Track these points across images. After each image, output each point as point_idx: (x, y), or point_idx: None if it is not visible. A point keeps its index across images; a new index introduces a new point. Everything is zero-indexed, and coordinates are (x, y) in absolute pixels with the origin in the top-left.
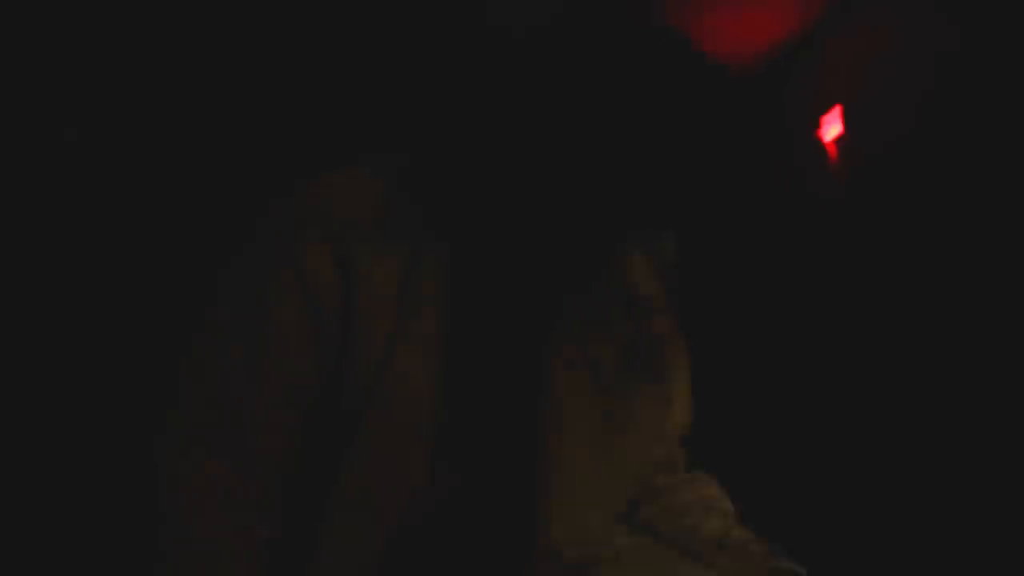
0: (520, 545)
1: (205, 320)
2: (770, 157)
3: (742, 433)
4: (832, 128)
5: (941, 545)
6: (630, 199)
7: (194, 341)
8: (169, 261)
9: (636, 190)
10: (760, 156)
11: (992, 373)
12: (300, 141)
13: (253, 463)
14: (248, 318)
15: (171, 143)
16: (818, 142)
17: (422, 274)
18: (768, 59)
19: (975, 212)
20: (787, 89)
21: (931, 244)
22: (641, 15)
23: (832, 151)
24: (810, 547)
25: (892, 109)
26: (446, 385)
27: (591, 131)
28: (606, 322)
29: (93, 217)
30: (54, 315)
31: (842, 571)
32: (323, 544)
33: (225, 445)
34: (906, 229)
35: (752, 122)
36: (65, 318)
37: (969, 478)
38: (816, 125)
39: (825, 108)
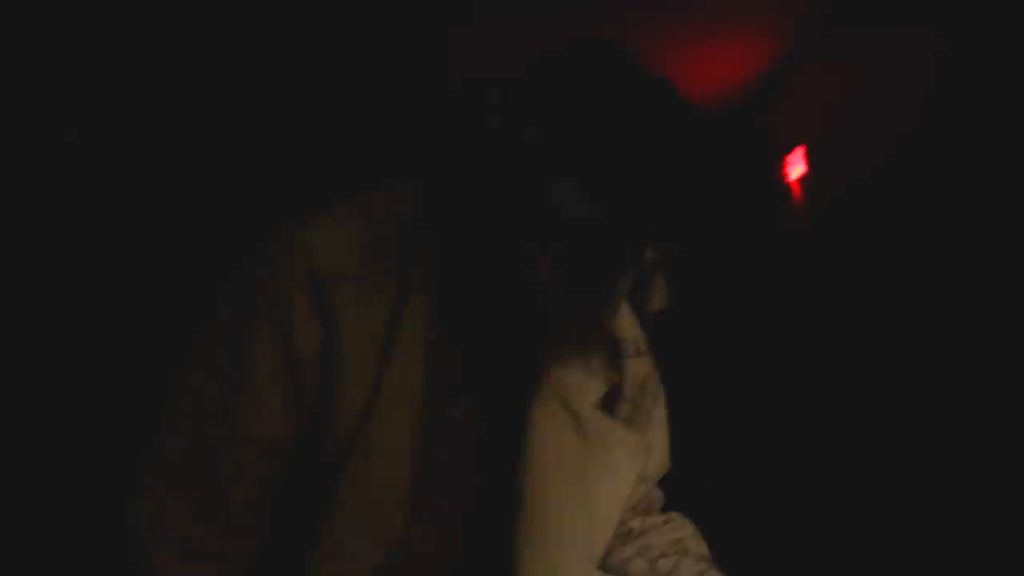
0: None
1: (183, 365)
2: (743, 196)
3: (718, 474)
4: (796, 168)
5: None
6: (617, 241)
7: (173, 385)
8: (168, 261)
9: (623, 232)
10: (735, 196)
11: (945, 415)
12: (297, 144)
13: (226, 514)
14: (225, 369)
15: (171, 144)
16: (783, 181)
17: (403, 324)
18: (731, 101)
19: (938, 246)
20: (752, 131)
21: (897, 283)
22: (614, 56)
23: (796, 190)
24: None
25: (854, 149)
26: (426, 435)
27: (573, 174)
28: (588, 367)
29: (92, 217)
30: (48, 317)
31: None
32: None
33: (197, 496)
34: (871, 268)
35: (728, 160)
36: (57, 320)
37: (944, 525)
38: (781, 165)
39: (789, 148)
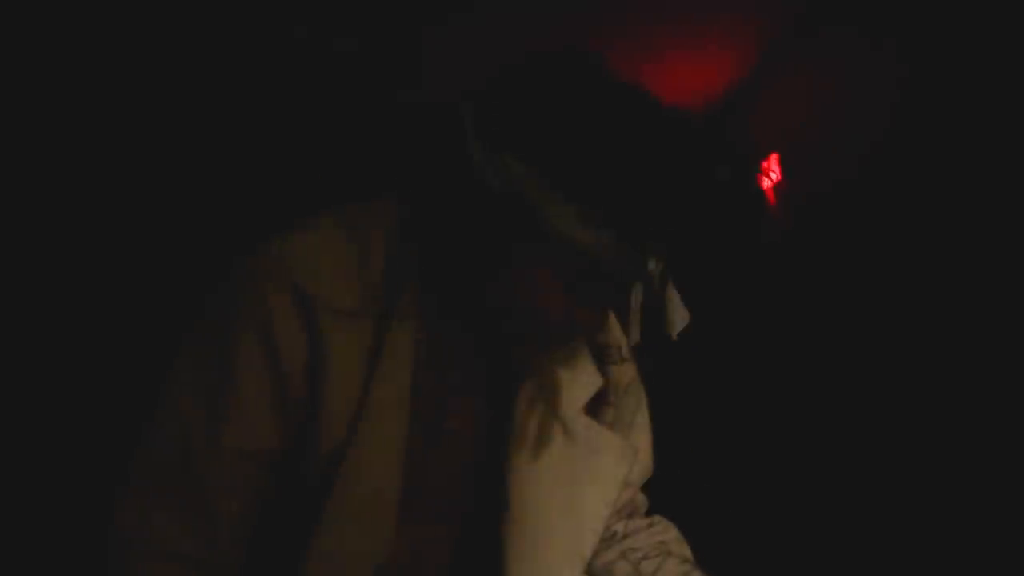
0: None
1: (170, 375)
2: (721, 202)
3: (701, 478)
4: (771, 175)
5: None
6: (601, 251)
7: (159, 397)
8: (152, 270)
9: (608, 242)
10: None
11: (927, 417)
12: (284, 153)
13: (211, 526)
14: (211, 382)
15: (160, 151)
16: (756, 186)
17: (390, 335)
18: (708, 106)
19: (914, 250)
20: (729, 135)
21: (873, 287)
22: (587, 68)
23: (771, 197)
24: None
25: (830, 156)
26: (415, 444)
27: (573, 201)
28: (575, 372)
29: (81, 221)
30: (35, 321)
31: None
32: None
33: (182, 507)
34: (848, 272)
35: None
36: (44, 324)
37: (929, 528)
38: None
39: (764, 155)
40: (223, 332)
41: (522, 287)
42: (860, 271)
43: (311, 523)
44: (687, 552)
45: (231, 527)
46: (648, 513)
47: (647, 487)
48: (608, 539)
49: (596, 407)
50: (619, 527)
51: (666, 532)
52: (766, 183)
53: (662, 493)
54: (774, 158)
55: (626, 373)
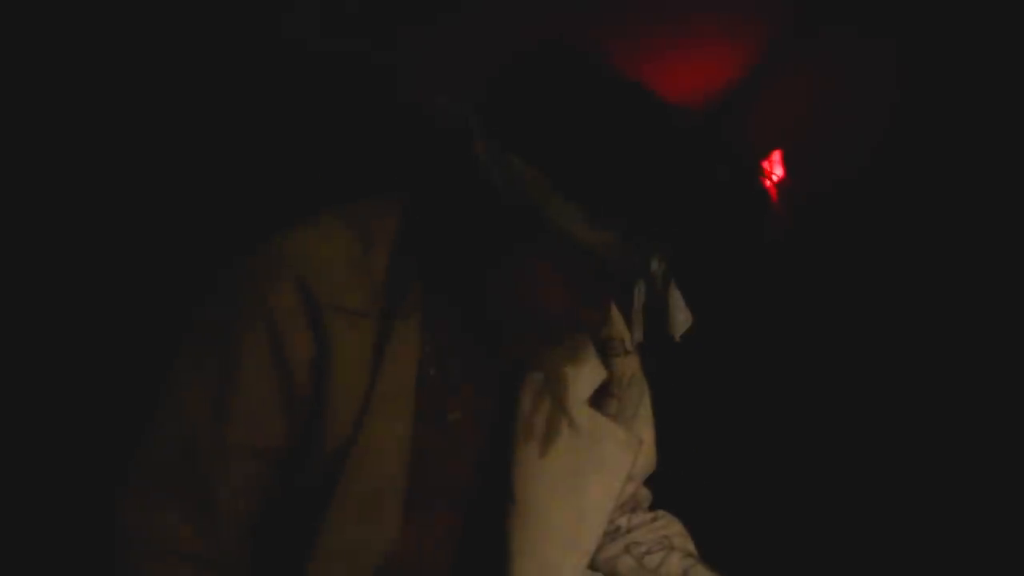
0: None
1: (170, 375)
2: (725, 202)
3: (704, 472)
4: (774, 172)
5: None
6: (604, 251)
7: (161, 395)
8: (152, 268)
9: (612, 241)
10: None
11: (928, 415)
12: (284, 153)
13: (216, 525)
14: (215, 381)
15: (169, 144)
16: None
17: (395, 332)
18: (708, 105)
19: (918, 248)
20: (728, 134)
21: (876, 284)
22: (588, 67)
23: (774, 194)
24: None
25: (832, 154)
26: (420, 439)
27: (579, 200)
28: (578, 365)
29: (82, 220)
30: (33, 320)
31: None
32: None
33: (186, 506)
34: (851, 269)
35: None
36: (43, 322)
37: (928, 525)
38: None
39: (765, 153)
40: (226, 330)
41: (524, 284)
42: (860, 271)
43: (316, 521)
44: (691, 547)
45: (236, 526)
46: (652, 508)
47: (651, 482)
48: (612, 533)
49: (600, 399)
50: (623, 521)
51: (670, 527)
52: (769, 181)
53: (666, 488)
54: (777, 156)
55: (629, 366)
